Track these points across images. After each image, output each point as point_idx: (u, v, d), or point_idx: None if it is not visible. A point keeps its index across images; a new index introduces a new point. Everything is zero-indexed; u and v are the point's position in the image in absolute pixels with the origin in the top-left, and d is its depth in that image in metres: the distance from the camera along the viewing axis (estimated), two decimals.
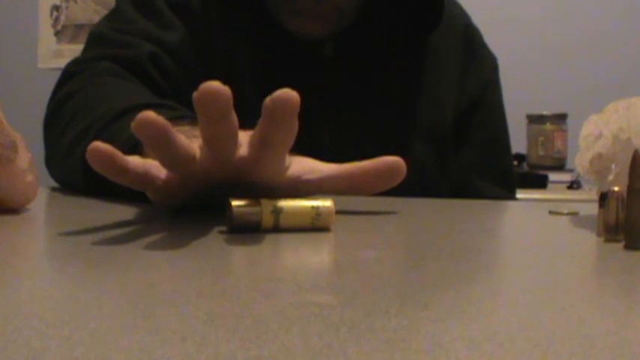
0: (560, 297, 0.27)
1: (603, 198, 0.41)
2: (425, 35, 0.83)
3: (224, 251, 0.36)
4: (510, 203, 0.79)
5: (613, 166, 0.48)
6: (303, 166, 0.49)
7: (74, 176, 0.65)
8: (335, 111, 0.79)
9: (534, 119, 2.07)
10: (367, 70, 0.81)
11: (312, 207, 0.41)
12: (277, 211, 0.41)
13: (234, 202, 0.40)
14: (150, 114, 0.38)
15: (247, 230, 0.40)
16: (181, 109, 0.60)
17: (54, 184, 0.74)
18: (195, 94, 0.37)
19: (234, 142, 0.41)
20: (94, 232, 0.40)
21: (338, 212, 0.43)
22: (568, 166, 2.03)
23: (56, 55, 2.60)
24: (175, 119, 0.48)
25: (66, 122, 0.69)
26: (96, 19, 0.84)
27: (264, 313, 0.23)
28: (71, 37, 2.59)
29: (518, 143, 1.32)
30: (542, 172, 1.98)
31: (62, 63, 0.86)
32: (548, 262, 0.35)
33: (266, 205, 0.40)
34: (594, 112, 0.51)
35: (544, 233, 0.48)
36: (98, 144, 0.40)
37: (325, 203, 0.42)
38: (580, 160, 0.50)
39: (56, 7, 2.63)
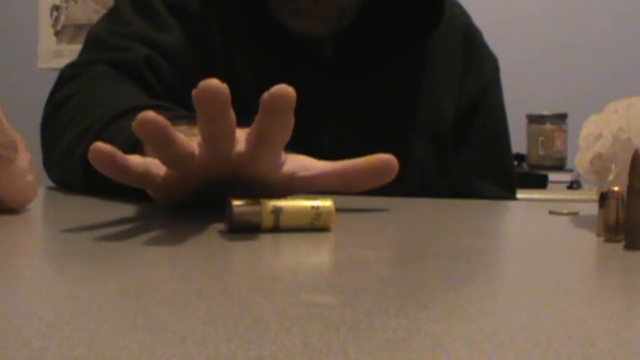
0: (560, 297, 0.27)
1: (603, 198, 0.41)
2: (425, 35, 0.83)
3: (224, 251, 0.36)
4: (510, 203, 0.79)
5: (613, 166, 0.48)
6: (298, 163, 0.50)
7: (73, 176, 0.66)
8: (335, 111, 0.79)
9: (534, 119, 2.07)
10: (367, 70, 0.81)
11: (312, 207, 0.41)
12: (277, 211, 0.41)
13: (234, 202, 0.40)
14: (150, 114, 0.39)
15: (247, 230, 0.40)
16: (177, 109, 0.61)
17: (53, 183, 0.74)
18: (194, 91, 0.38)
19: (232, 138, 0.43)
20: (94, 232, 0.40)
21: (338, 212, 0.43)
22: (568, 166, 2.03)
23: (56, 55, 2.60)
24: (173, 119, 0.48)
25: (64, 124, 0.70)
26: (96, 19, 0.84)
27: (264, 313, 0.23)
28: (71, 37, 2.59)
29: (518, 143, 1.32)
30: (542, 172, 1.98)
31: (62, 63, 0.87)
32: (548, 262, 0.35)
33: (266, 205, 0.41)
34: (594, 112, 0.51)
35: (544, 233, 0.48)
36: (100, 144, 0.41)
37: (325, 203, 0.42)
38: (580, 160, 0.50)
39: (56, 7, 2.63)
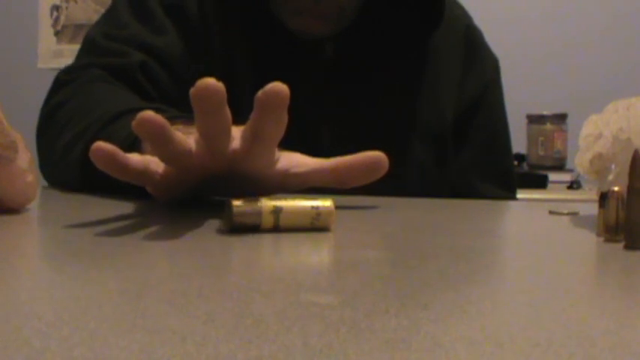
0: (560, 297, 0.27)
1: (603, 198, 0.41)
2: (426, 35, 0.83)
3: (224, 251, 0.36)
4: (510, 203, 0.79)
5: (613, 166, 0.48)
6: (291, 160, 0.52)
7: (70, 176, 0.66)
8: (335, 111, 0.79)
9: (534, 119, 2.07)
10: (367, 70, 0.81)
11: (312, 207, 0.41)
12: (277, 211, 0.41)
13: (234, 202, 0.40)
14: (149, 113, 0.41)
15: (247, 230, 0.40)
16: (172, 110, 0.61)
17: (63, 184, 0.74)
18: (192, 89, 0.40)
19: (228, 135, 0.44)
20: (94, 232, 0.40)
21: (338, 212, 0.43)
22: (568, 166, 2.03)
23: (56, 55, 2.60)
24: (169, 119, 0.49)
25: (61, 127, 0.70)
26: (96, 18, 0.85)
27: (264, 313, 0.23)
28: (71, 37, 2.59)
29: (518, 143, 1.32)
30: (542, 172, 1.98)
31: (62, 63, 0.87)
32: (548, 262, 0.35)
33: (266, 205, 0.41)
34: (594, 112, 0.51)
35: (544, 233, 0.48)
36: (101, 143, 0.43)
37: (325, 203, 0.42)
38: (580, 160, 0.50)
39: (56, 7, 2.63)
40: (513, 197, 0.89)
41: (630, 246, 0.38)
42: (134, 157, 0.46)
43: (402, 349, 0.19)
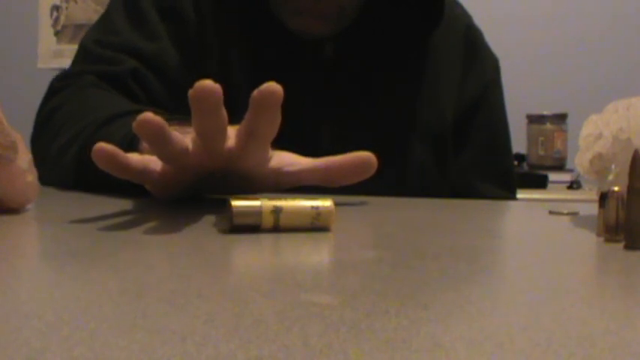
0: (560, 297, 0.27)
1: (603, 198, 0.41)
2: (426, 35, 0.83)
3: (224, 251, 0.36)
4: (510, 203, 0.79)
5: (613, 166, 0.48)
6: (284, 159, 0.54)
7: (64, 178, 0.68)
8: (335, 111, 0.79)
9: (534, 119, 2.07)
10: (367, 70, 0.81)
11: (312, 207, 0.41)
12: (277, 211, 0.41)
13: (234, 202, 0.40)
14: (149, 114, 0.43)
15: (247, 230, 0.40)
16: (166, 113, 0.62)
17: (57, 184, 0.74)
18: (190, 91, 0.43)
19: (224, 135, 0.47)
20: (94, 232, 0.40)
21: (338, 212, 0.43)
22: (568, 166, 2.03)
23: (56, 55, 2.59)
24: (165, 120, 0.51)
25: (55, 131, 0.72)
26: (96, 19, 0.85)
27: (264, 313, 0.23)
28: (71, 37, 2.59)
29: (518, 143, 1.32)
30: (542, 172, 1.98)
31: (62, 63, 0.88)
32: (548, 262, 0.35)
33: (266, 205, 0.41)
34: (594, 112, 0.51)
35: (544, 233, 0.48)
36: (102, 144, 0.45)
37: (325, 203, 0.42)
38: (580, 160, 0.50)
39: (56, 7, 2.63)
40: (513, 197, 0.89)
41: (630, 246, 0.38)
42: (134, 157, 0.48)
43: (402, 349, 0.19)
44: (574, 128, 1.87)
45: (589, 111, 0.55)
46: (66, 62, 0.84)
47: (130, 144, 0.57)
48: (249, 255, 0.36)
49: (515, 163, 2.01)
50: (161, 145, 0.45)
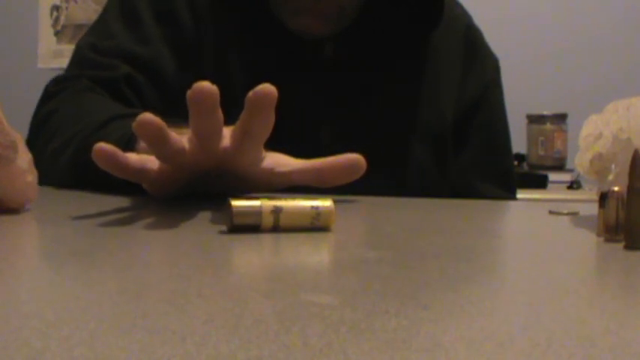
0: (560, 297, 0.27)
1: (603, 198, 0.41)
2: (426, 35, 0.83)
3: (224, 251, 0.36)
4: (510, 203, 0.79)
5: (613, 166, 0.48)
6: (276, 159, 0.55)
7: (61, 179, 0.69)
8: (335, 110, 0.79)
9: (534, 119, 2.07)
10: (367, 70, 0.81)
11: (312, 207, 0.41)
12: (277, 211, 0.41)
13: (234, 202, 0.40)
14: (148, 115, 0.45)
15: (247, 230, 0.40)
16: (160, 116, 0.63)
17: (53, 184, 0.74)
18: (188, 92, 0.45)
19: (220, 135, 0.49)
20: (94, 232, 0.40)
21: (338, 212, 0.43)
22: (568, 166, 2.03)
23: (56, 55, 2.60)
24: None
25: (51, 134, 0.73)
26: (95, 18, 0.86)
27: (264, 313, 0.23)
28: (71, 37, 2.59)
29: (518, 143, 1.32)
30: (542, 172, 1.98)
31: (62, 63, 0.88)
32: (548, 262, 0.35)
33: (266, 205, 0.41)
34: (594, 112, 0.51)
35: (544, 233, 0.48)
36: (102, 144, 0.47)
37: (325, 203, 0.42)
38: (580, 160, 0.50)
39: (56, 7, 2.63)
40: (513, 197, 0.89)
41: (630, 246, 0.38)
42: (132, 156, 0.50)
43: (402, 349, 0.19)
44: (574, 128, 1.87)
45: (589, 111, 0.55)
46: (66, 62, 0.85)
47: (127, 145, 0.58)
48: (249, 255, 0.36)
49: (515, 163, 2.01)
50: (159, 145, 0.47)
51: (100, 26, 0.83)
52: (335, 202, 0.42)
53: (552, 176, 1.96)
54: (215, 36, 0.79)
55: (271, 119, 0.47)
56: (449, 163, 0.84)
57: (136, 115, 0.46)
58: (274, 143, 0.58)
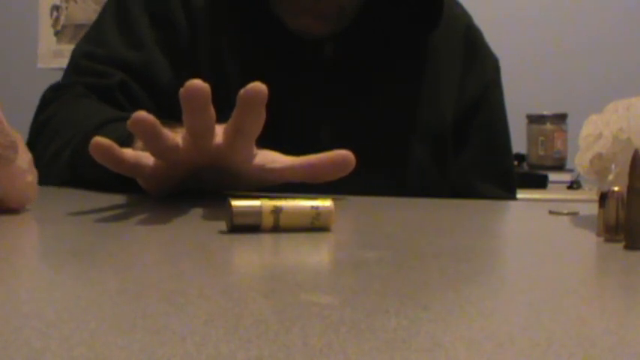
0: (560, 297, 0.27)
1: (603, 198, 0.41)
2: (426, 34, 0.83)
3: (224, 251, 0.36)
4: (510, 203, 0.79)
5: (613, 166, 0.48)
6: (268, 156, 0.56)
7: (58, 181, 0.70)
8: (335, 111, 0.79)
9: (534, 119, 2.07)
10: (367, 70, 0.81)
11: (312, 207, 0.41)
12: (277, 211, 0.41)
13: (234, 202, 0.40)
14: (142, 113, 0.46)
15: (247, 230, 0.40)
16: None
17: (53, 184, 0.74)
18: (181, 90, 0.46)
19: (212, 132, 0.50)
20: (94, 232, 0.40)
21: (338, 212, 0.43)
22: (568, 166, 2.03)
23: (56, 55, 2.59)
24: None
25: (49, 138, 0.75)
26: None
27: (264, 313, 0.23)
28: (71, 37, 2.58)
29: (518, 143, 1.31)
30: (542, 172, 1.98)
31: (62, 63, 0.89)
32: (548, 262, 0.35)
33: (266, 205, 0.41)
34: (594, 112, 0.51)
35: (544, 233, 0.48)
36: (99, 139, 0.49)
37: (325, 203, 0.42)
38: (580, 160, 0.50)
39: (56, 7, 2.63)
40: (513, 197, 0.89)
41: (630, 246, 0.38)
42: (128, 151, 0.52)
43: (402, 349, 0.19)
44: (574, 128, 1.87)
45: (589, 111, 0.55)
46: (66, 62, 0.86)
47: (122, 146, 0.58)
48: (249, 255, 0.36)
49: (515, 163, 2.01)
50: (153, 141, 0.48)
51: (95, 32, 0.84)
52: (335, 201, 0.42)
53: (552, 176, 1.96)
54: (212, 36, 0.79)
55: (262, 117, 0.49)
56: (449, 163, 0.84)
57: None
58: (274, 143, 0.58)
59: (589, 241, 0.42)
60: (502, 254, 0.40)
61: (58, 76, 0.86)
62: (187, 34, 0.80)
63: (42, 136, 0.77)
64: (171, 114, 0.54)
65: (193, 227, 0.43)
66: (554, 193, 1.85)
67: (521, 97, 1.97)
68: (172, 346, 0.19)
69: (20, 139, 0.48)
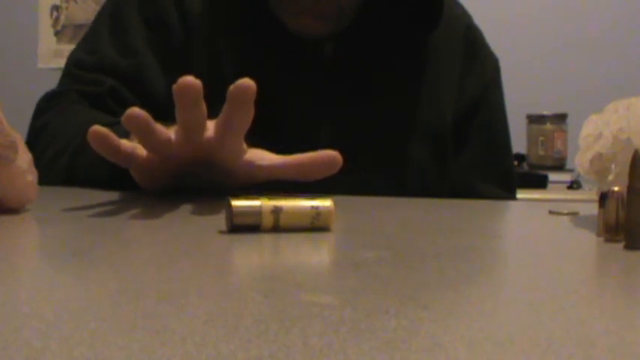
0: (560, 297, 0.27)
1: (603, 198, 0.41)
2: (425, 34, 0.83)
3: (224, 251, 0.36)
4: (510, 203, 0.79)
5: (613, 166, 0.48)
6: (258, 154, 0.58)
7: (57, 180, 0.71)
8: (335, 110, 0.79)
9: (534, 119, 2.07)
10: (367, 70, 0.81)
11: (312, 207, 0.41)
12: (277, 211, 0.41)
13: (234, 202, 0.40)
14: (136, 109, 0.48)
15: (247, 230, 0.40)
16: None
17: (53, 184, 0.74)
18: (174, 86, 0.48)
19: (203, 127, 0.52)
20: (94, 232, 0.40)
21: (338, 212, 0.43)
22: (568, 166, 2.03)
23: (56, 55, 2.59)
24: None
25: (45, 144, 0.76)
26: None
27: (264, 313, 0.23)
28: (71, 37, 2.58)
29: (518, 143, 1.31)
30: (542, 172, 1.98)
31: (62, 63, 0.89)
32: (548, 262, 0.35)
33: (266, 205, 0.41)
34: (594, 112, 0.51)
35: (544, 233, 0.48)
36: (97, 127, 0.51)
37: (325, 203, 0.42)
38: (580, 160, 0.50)
39: (56, 7, 2.63)
40: (513, 197, 0.89)
41: (630, 246, 0.38)
42: (124, 141, 0.54)
43: (402, 349, 0.19)
44: (574, 128, 1.87)
45: (589, 111, 0.55)
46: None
47: None
48: (249, 255, 0.36)
49: (515, 163, 2.01)
50: (147, 136, 0.50)
51: (89, 38, 0.85)
52: (335, 201, 0.42)
53: (552, 176, 1.96)
54: (209, 36, 0.79)
55: (251, 112, 0.50)
56: (449, 163, 0.84)
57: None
58: (274, 143, 0.58)
59: (589, 241, 0.42)
60: (502, 254, 0.40)
61: (58, 76, 0.86)
62: (180, 34, 0.80)
63: (39, 140, 0.78)
64: (164, 116, 0.54)
65: (193, 227, 0.43)
66: (554, 193, 1.85)
67: (521, 97, 1.97)
68: (172, 346, 0.19)
69: (20, 139, 0.48)
